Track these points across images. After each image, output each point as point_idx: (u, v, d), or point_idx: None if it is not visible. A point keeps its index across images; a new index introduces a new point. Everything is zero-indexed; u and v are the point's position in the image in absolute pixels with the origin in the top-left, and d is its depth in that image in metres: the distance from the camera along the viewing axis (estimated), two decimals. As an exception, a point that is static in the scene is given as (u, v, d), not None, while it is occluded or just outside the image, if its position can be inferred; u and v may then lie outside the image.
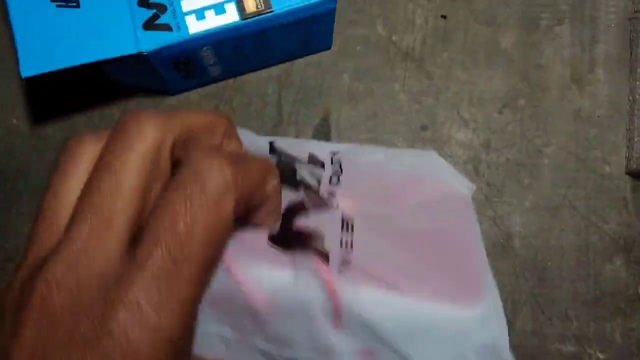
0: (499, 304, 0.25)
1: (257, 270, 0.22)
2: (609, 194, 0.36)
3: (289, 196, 0.24)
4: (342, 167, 0.27)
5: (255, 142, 0.26)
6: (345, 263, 0.23)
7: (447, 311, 0.23)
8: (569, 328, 0.35)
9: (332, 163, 0.27)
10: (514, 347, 0.35)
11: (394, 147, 0.37)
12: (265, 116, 0.37)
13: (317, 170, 0.26)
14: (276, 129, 0.37)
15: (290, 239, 0.23)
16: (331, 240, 0.23)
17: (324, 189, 0.26)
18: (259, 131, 0.36)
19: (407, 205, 0.26)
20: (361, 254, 0.23)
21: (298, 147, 0.27)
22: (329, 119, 0.37)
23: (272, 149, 0.27)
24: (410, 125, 0.37)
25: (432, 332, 0.23)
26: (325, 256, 0.22)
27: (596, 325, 0.35)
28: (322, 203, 0.25)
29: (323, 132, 0.37)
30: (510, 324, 0.35)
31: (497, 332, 0.25)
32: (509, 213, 0.36)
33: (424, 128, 0.37)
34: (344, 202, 0.25)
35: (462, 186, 0.28)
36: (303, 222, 0.24)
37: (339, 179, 0.26)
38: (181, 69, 0.34)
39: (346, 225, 0.24)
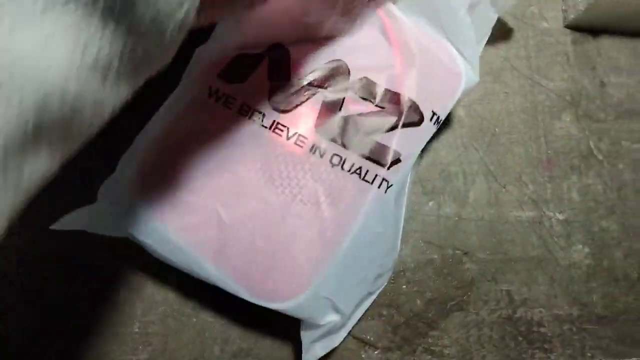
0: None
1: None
2: (549, 50, 0.34)
3: None
4: None
5: None
6: None
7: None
8: (524, 193, 0.33)
9: None
10: (472, 220, 0.33)
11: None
12: None
13: None
14: None
15: None
16: None
17: None
18: None
19: None
20: None
21: None
22: None
23: None
24: None
25: None
26: None
27: (552, 186, 0.33)
28: None
29: None
30: (465, 197, 0.33)
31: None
32: (449, 83, 0.34)
33: None
34: None
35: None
36: None
37: None
38: None
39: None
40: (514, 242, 0.33)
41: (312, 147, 0.26)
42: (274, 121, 0.26)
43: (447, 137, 0.33)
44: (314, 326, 0.28)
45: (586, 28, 0.34)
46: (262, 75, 0.27)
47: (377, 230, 0.27)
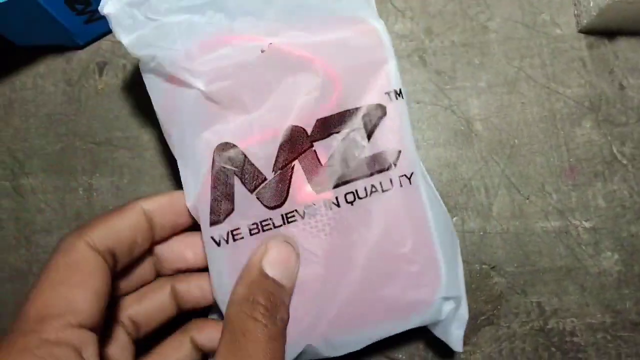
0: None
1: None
2: (565, 56, 0.34)
3: None
4: None
5: None
6: None
7: None
8: (549, 203, 0.33)
9: None
10: (497, 233, 0.33)
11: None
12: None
13: None
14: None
15: None
16: None
17: None
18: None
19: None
20: None
21: None
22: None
23: None
24: (344, 28, 0.34)
25: None
26: None
27: (577, 194, 0.33)
28: None
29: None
30: (488, 210, 0.33)
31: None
32: (464, 98, 0.34)
33: (359, 28, 0.34)
34: None
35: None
36: None
37: None
38: (79, 9, 0.30)
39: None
40: (541, 253, 0.33)
41: (325, 204, 0.27)
42: (282, 215, 0.27)
43: (466, 152, 0.33)
44: (436, 323, 0.28)
45: (601, 31, 0.33)
46: (241, 190, 0.27)
47: (430, 209, 0.28)
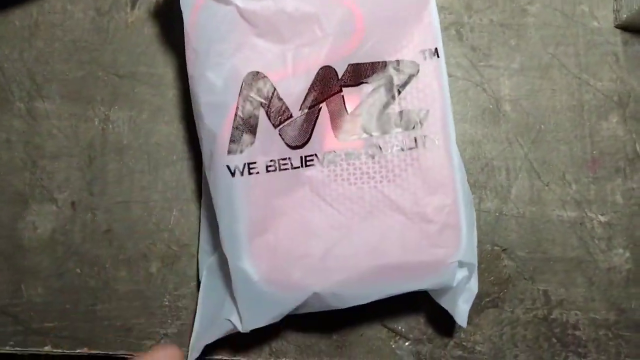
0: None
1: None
2: (599, 49, 0.34)
3: None
4: None
5: None
6: None
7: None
8: (567, 192, 0.33)
9: None
10: (513, 216, 0.33)
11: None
12: None
13: None
14: None
15: None
16: None
17: None
18: None
19: None
20: None
21: None
22: None
23: None
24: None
25: None
26: None
27: (596, 187, 0.33)
28: None
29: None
30: (507, 192, 0.33)
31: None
32: (497, 77, 0.33)
33: (399, -5, 0.34)
34: None
35: None
36: None
37: None
38: None
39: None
40: (554, 242, 0.32)
41: (347, 154, 0.26)
42: (301, 157, 0.26)
43: (491, 130, 0.33)
44: (445, 290, 0.28)
45: (638, 28, 0.33)
46: (265, 123, 0.26)
47: (458, 172, 0.27)
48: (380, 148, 0.27)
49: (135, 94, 0.33)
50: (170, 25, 0.33)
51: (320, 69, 0.26)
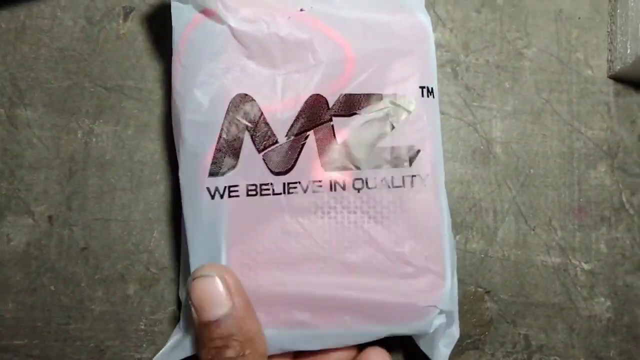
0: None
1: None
2: (591, 98, 0.34)
3: None
4: None
5: None
6: None
7: None
8: (553, 238, 0.33)
9: None
10: (498, 259, 0.32)
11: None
12: None
13: None
14: None
15: None
16: None
17: None
18: None
19: None
20: None
21: None
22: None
23: None
24: (383, 25, 0.34)
25: None
26: None
27: (581, 234, 0.33)
28: None
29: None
30: (493, 234, 0.32)
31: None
32: (489, 118, 0.33)
33: (398, 28, 0.34)
34: None
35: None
36: None
37: None
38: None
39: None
40: (537, 287, 0.32)
41: (331, 185, 0.26)
42: (284, 183, 0.26)
43: (481, 171, 0.33)
44: (423, 335, 0.27)
45: (630, 80, 0.34)
46: (249, 147, 0.26)
47: (445, 216, 0.27)
48: (367, 183, 0.26)
49: (122, 109, 0.32)
50: (162, 40, 0.33)
51: (310, 96, 0.26)
